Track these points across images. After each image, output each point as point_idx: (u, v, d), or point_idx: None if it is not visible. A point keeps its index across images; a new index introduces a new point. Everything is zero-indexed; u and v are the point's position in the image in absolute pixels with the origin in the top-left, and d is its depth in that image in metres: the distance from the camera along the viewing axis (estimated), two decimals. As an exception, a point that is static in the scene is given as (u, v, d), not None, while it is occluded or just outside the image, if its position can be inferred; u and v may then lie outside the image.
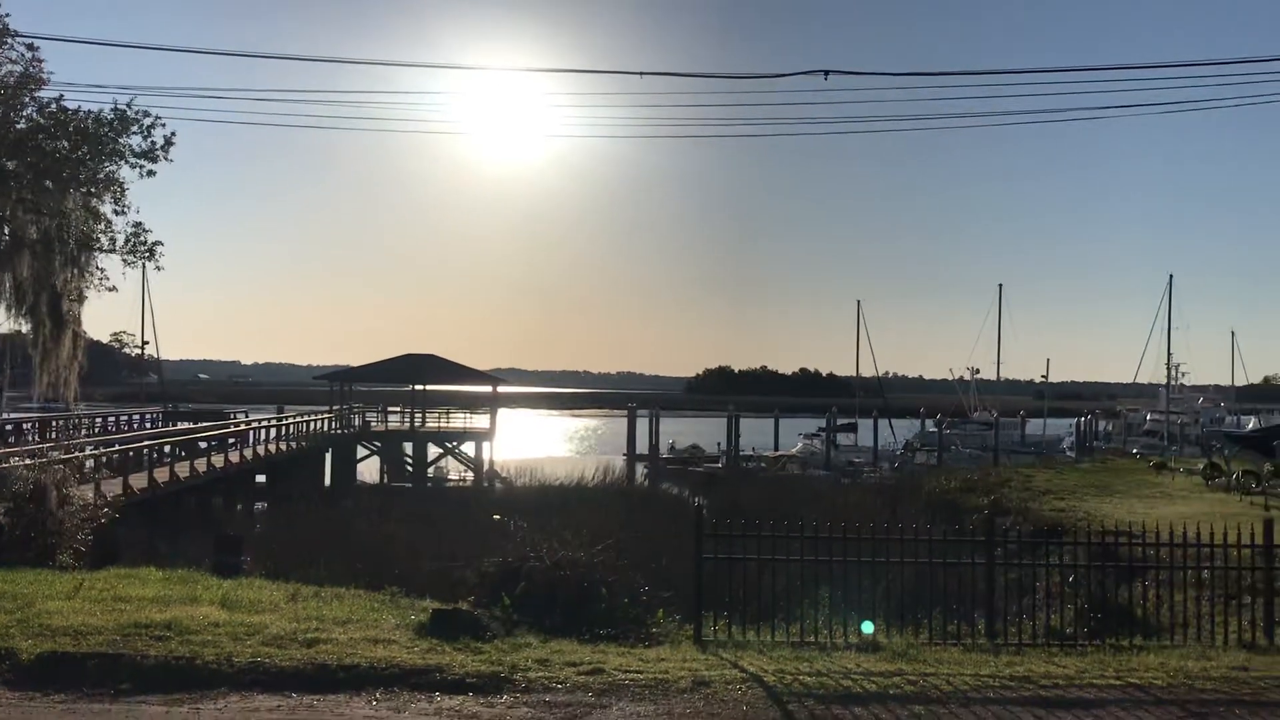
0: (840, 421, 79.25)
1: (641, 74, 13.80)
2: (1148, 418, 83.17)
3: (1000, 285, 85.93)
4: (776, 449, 73.29)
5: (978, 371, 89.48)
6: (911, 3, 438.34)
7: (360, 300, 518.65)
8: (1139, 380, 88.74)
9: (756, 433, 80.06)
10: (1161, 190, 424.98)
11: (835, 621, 11.44)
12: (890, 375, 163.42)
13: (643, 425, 71.15)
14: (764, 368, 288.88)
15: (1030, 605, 12.78)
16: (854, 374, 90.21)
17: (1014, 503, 32.30)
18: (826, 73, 13.27)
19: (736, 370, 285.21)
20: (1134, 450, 62.73)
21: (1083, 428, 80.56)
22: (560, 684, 8.78)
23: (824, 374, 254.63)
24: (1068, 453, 71.15)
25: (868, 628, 11.35)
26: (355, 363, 67.66)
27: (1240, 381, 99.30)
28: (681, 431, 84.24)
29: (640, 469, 64.21)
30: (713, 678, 9.08)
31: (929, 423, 77.45)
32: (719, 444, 72.33)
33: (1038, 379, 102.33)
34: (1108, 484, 35.98)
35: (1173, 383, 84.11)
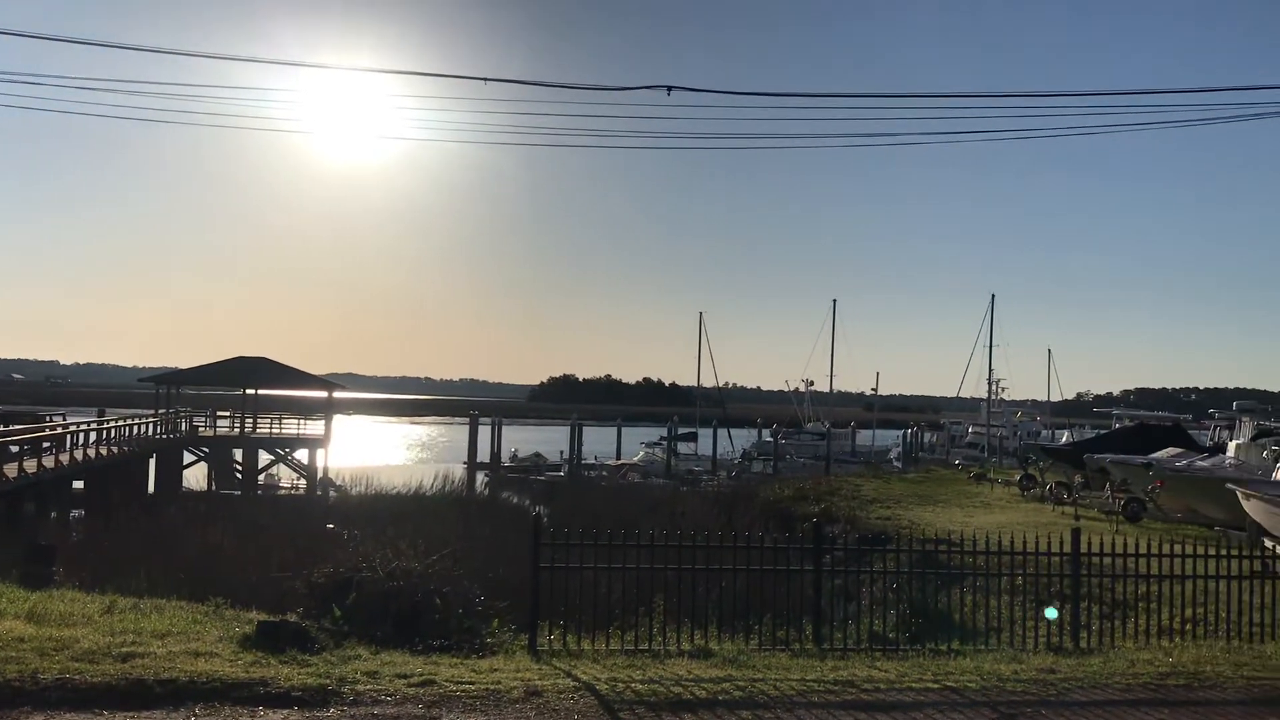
0: (681, 431, 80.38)
1: (486, 80, 13.72)
2: (969, 430, 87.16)
3: (834, 301, 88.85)
4: (619, 457, 73.74)
5: (812, 384, 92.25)
6: (766, 25, 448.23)
7: (191, 301, 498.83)
8: (962, 394, 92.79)
9: (599, 441, 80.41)
10: (986, 214, 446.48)
11: (669, 629, 11.59)
12: (730, 386, 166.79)
13: (485, 433, 70.52)
14: (608, 377, 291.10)
15: (855, 611, 13.20)
16: (695, 384, 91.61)
17: (843, 511, 33.29)
18: (669, 88, 13.48)
19: (581, 379, 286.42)
20: (956, 461, 65.53)
21: (909, 439, 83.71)
22: (390, 696, 8.62)
23: (667, 384, 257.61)
24: (895, 463, 73.82)
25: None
26: (183, 365, 64.95)
27: (1055, 397, 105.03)
28: (524, 440, 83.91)
29: (481, 478, 63.61)
30: (545, 687, 9.08)
31: (766, 433, 79.32)
32: (561, 452, 72.31)
33: (868, 391, 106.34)
34: (931, 493, 37.49)
35: (993, 397, 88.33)
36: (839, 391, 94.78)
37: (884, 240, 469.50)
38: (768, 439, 78.19)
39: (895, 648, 11.88)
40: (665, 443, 75.76)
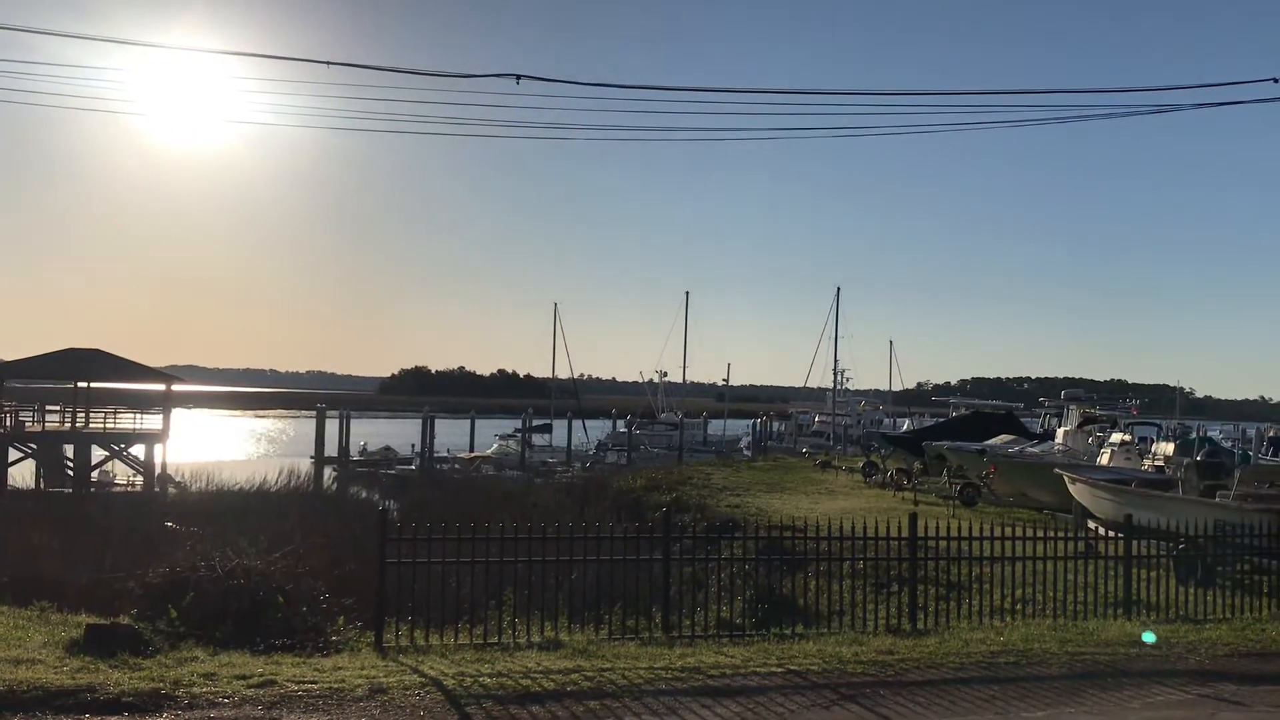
0: (536, 422, 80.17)
1: (329, 64, 13.35)
2: (816, 419, 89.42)
3: (687, 293, 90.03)
4: (472, 450, 73.08)
5: (666, 375, 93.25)
6: (615, 16, 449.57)
7: (15, 290, 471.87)
8: (810, 384, 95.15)
9: (453, 434, 79.54)
10: (831, 207, 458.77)
11: (519, 621, 11.56)
12: (585, 377, 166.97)
13: (332, 426, 68.89)
14: (462, 369, 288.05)
15: (704, 598, 13.42)
16: (550, 376, 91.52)
17: (694, 500, 33.75)
18: (519, 77, 13.40)
19: (434, 371, 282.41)
20: (803, 450, 67.23)
21: (758, 429, 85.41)
22: (228, 698, 8.36)
23: (522, 375, 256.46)
24: (745, 452, 75.17)
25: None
26: (9, 357, 61.48)
27: (897, 387, 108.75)
28: (375, 433, 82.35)
29: (329, 472, 62.14)
30: (391, 684, 8.95)
31: (620, 423, 79.73)
32: (413, 446, 71.24)
33: (720, 382, 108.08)
34: (779, 481, 38.36)
35: (838, 387, 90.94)
36: (692, 382, 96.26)
37: (735, 233, 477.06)
38: (622, 430, 78.64)
39: (742, 633, 12.12)
40: (519, 434, 75.46)
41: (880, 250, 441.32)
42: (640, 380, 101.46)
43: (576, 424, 78.78)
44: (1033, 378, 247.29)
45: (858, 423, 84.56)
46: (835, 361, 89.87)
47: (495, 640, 11.10)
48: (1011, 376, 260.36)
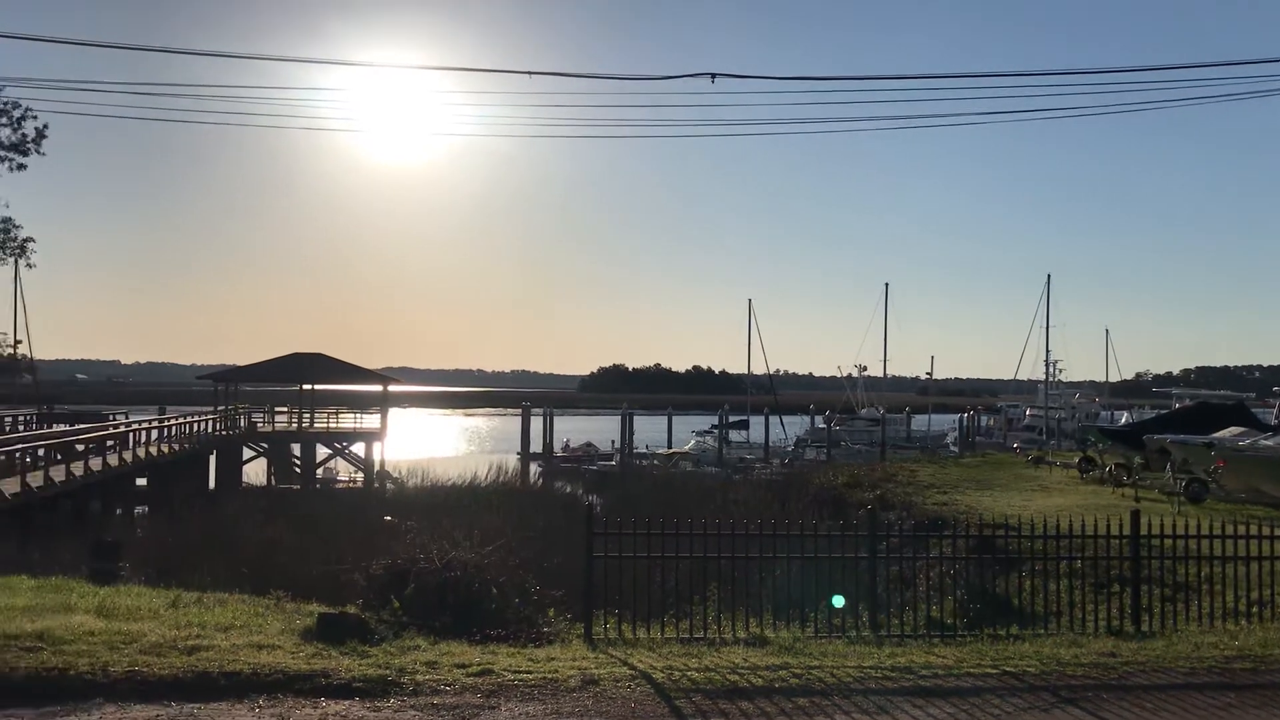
0: (732, 419, 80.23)
1: (530, 74, 13.77)
2: (1027, 413, 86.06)
3: (886, 284, 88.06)
4: (670, 446, 73.79)
5: (865, 369, 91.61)
6: (805, 10, 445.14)
7: (246, 300, 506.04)
8: (1019, 377, 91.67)
9: (650, 430, 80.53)
10: (1041, 192, 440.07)
11: (724, 617, 11.60)
12: (781, 373, 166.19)
13: (537, 424, 70.95)
14: (658, 365, 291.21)
15: (913, 597, 13.13)
16: (746, 371, 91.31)
17: (898, 497, 32.96)
18: (713, 75, 13.44)
19: (630, 368, 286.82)
20: (1014, 445, 64.77)
21: (965, 423, 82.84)
22: (449, 686, 8.72)
23: (717, 371, 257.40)
24: (951, 448, 73.11)
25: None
26: (241, 363, 65.96)
27: (1114, 378, 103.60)
28: (575, 430, 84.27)
29: (534, 468, 64.00)
30: (602, 675, 9.13)
31: (818, 419, 78.88)
32: (613, 442, 72.48)
33: (923, 376, 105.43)
34: (988, 478, 37.05)
35: (1050, 379, 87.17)
36: (893, 376, 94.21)
37: (937, 222, 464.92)
38: (821, 426, 77.74)
39: (953, 633, 11.80)
40: (716, 431, 75.68)
41: (1093, 234, 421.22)
42: (838, 375, 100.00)
43: (774, 420, 78.28)
44: (1264, 366, 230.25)
45: (1072, 416, 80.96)
46: (1047, 352, 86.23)
47: (701, 635, 11.18)
48: (1240, 365, 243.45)
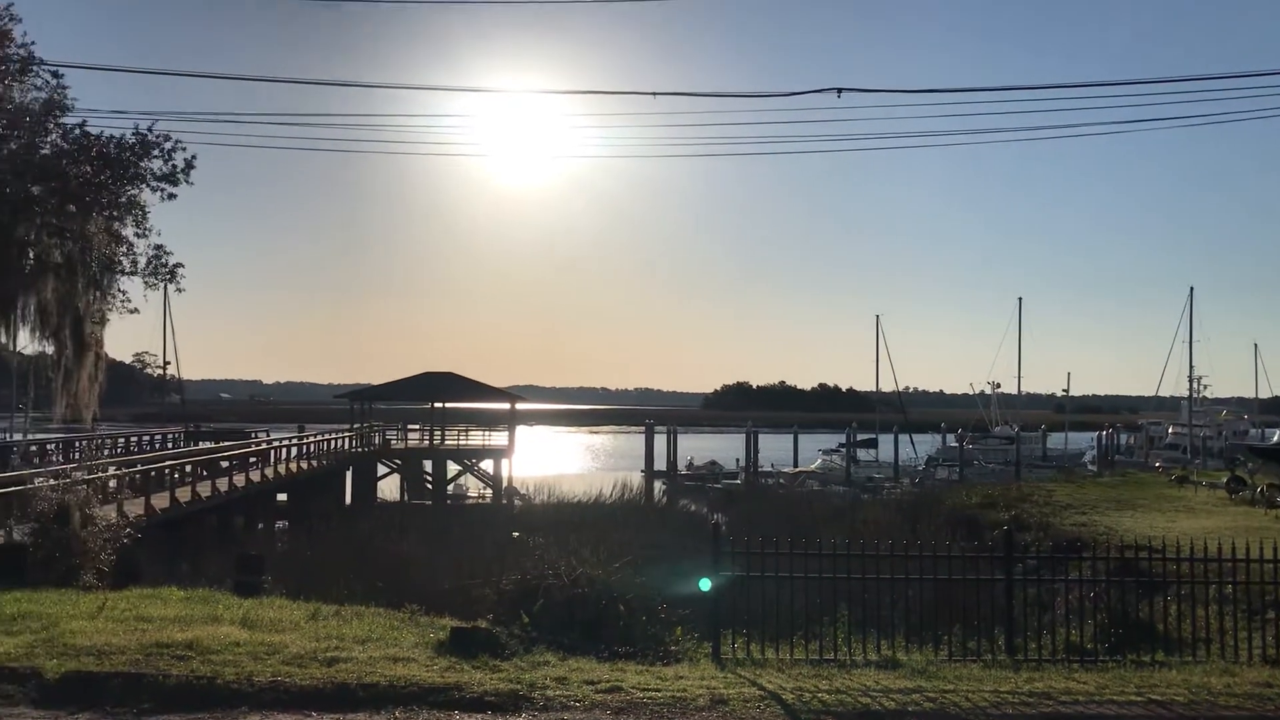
0: (860, 437, 79.07)
1: (655, 94, 13.90)
2: (1169, 431, 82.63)
3: (1020, 299, 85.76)
4: (796, 465, 73.11)
5: (998, 386, 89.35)
6: (928, 23, 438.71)
7: (380, 320, 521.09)
8: (1161, 393, 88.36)
9: (775, 449, 79.92)
10: (1181, 203, 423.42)
11: (854, 639, 11.42)
12: (911, 390, 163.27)
13: (660, 442, 71.10)
14: (782, 383, 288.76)
15: (1050, 621, 12.71)
16: (874, 389, 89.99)
17: (1035, 518, 32.08)
18: (839, 90, 13.33)
19: (755, 386, 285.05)
20: (1156, 464, 62.31)
21: (1104, 441, 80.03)
22: (578, 702, 8.79)
23: (843, 389, 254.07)
24: (1089, 467, 70.78)
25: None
26: (375, 381, 67.88)
27: (1264, 394, 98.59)
28: (699, 448, 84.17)
29: (658, 486, 64.15)
30: (731, 695, 9.08)
31: (950, 438, 77.20)
32: (737, 460, 72.22)
33: (1059, 392, 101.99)
34: (1129, 498, 35.73)
35: (1195, 396, 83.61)
36: (1027, 393, 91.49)
37: (1072, 234, 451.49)
38: (952, 444, 76.09)
39: (1094, 659, 11.38)
40: (844, 449, 74.71)
41: (1238, 245, 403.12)
42: (970, 392, 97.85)
43: (903, 438, 76.87)
44: None
45: (1218, 434, 77.46)
46: (1190, 367, 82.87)
47: (831, 656, 11.02)
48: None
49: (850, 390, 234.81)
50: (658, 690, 9.14)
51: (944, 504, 41.41)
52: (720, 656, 10.89)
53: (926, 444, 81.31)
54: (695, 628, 12.22)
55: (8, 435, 53.20)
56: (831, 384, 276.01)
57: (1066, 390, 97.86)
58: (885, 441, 79.21)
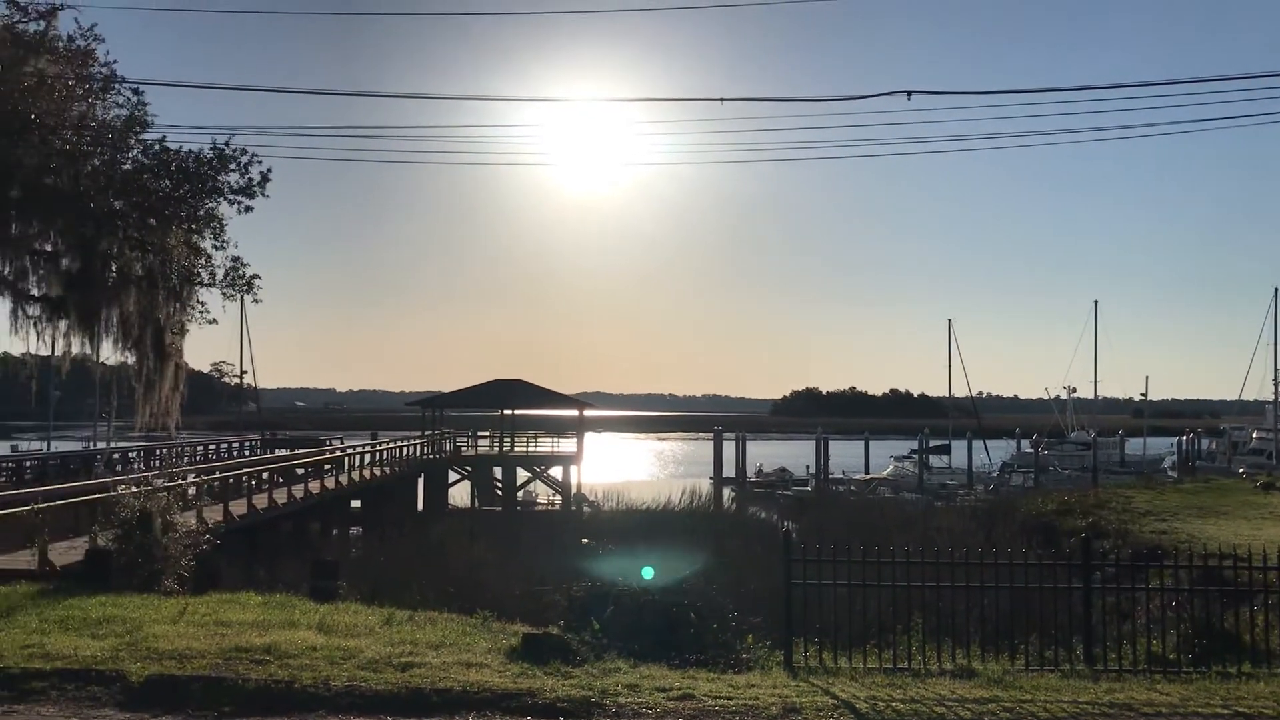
0: (933, 443, 77.99)
1: (722, 100, 13.86)
2: (1254, 436, 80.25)
3: (1095, 302, 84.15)
4: (867, 472, 72.37)
5: (1074, 390, 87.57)
6: (997, 23, 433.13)
7: (450, 328, 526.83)
8: (1244, 397, 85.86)
9: (846, 455, 79.15)
10: (1263, 202, 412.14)
11: (929, 647, 11.27)
12: (984, 395, 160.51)
13: (729, 448, 70.85)
14: (852, 389, 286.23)
15: (1131, 630, 12.43)
16: (946, 394, 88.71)
17: (1113, 525, 31.44)
18: (909, 93, 13.20)
19: (824, 392, 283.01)
20: (1240, 470, 60.61)
21: (1184, 447, 78.07)
22: (650, 709, 8.78)
23: (915, 394, 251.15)
24: (1169, 473, 69.09)
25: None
26: (445, 389, 68.68)
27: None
28: (768, 454, 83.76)
29: (727, 492, 63.91)
30: (804, 704, 9.01)
31: (1025, 443, 75.84)
32: (807, 467, 71.67)
33: (1137, 397, 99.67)
34: (1212, 505, 34.84)
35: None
36: (1104, 398, 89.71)
37: (1147, 235, 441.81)
38: (1027, 450, 74.66)
39: (1176, 670, 11.10)
40: (916, 456, 73.76)
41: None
42: (1045, 397, 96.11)
43: (977, 444, 75.68)
44: None
45: (1307, 439, 75.06)
46: (1275, 370, 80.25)
47: (905, 665, 10.89)
48: None
49: (922, 396, 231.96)
50: (730, 698, 9.10)
51: (1019, 511, 40.74)
52: (792, 665, 10.81)
53: (1000, 450, 79.89)
54: (766, 636, 12.15)
55: (92, 443, 54.73)
56: (903, 389, 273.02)
57: (1145, 394, 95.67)
58: (958, 447, 77.98)
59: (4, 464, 39.49)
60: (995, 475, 71.21)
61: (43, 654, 10.03)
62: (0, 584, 14.95)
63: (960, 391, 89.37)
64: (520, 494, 59.53)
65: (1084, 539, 12.70)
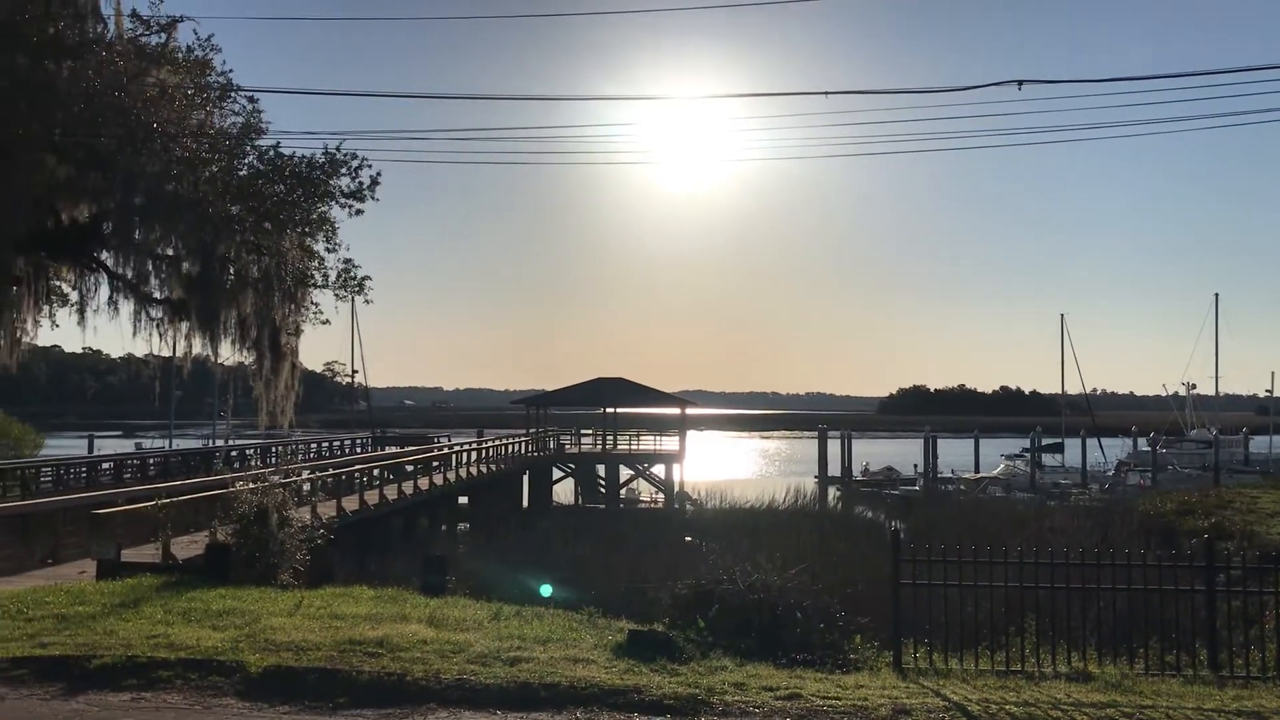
0: (1045, 441, 76.02)
1: (827, 94, 13.69)
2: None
3: (1216, 295, 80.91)
4: (977, 471, 70.85)
5: (1194, 387, 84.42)
6: (1106, 10, 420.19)
7: (553, 327, 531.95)
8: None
9: (955, 454, 77.61)
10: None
11: (1043, 650, 10.98)
12: (1098, 392, 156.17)
13: (834, 447, 70.08)
14: (961, 386, 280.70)
15: (1258, 635, 11.94)
16: (1059, 391, 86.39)
17: (1237, 526, 30.29)
18: (1020, 83, 12.86)
19: (933, 389, 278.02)
20: (1375, 469, 57.81)
21: (1315, 445, 74.69)
22: (757, 708, 8.72)
23: (1026, 392, 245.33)
24: (1298, 473, 66.19)
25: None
26: (548, 387, 69.39)
27: None
28: (875, 453, 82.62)
29: (832, 492, 63.24)
30: (914, 706, 8.85)
31: (1142, 441, 73.46)
32: (915, 466, 70.48)
33: (1261, 393, 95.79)
34: (1346, 506, 33.31)
35: None
36: (1226, 394, 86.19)
37: (1270, 227, 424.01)
38: (1144, 448, 72.30)
39: (1310, 678, 10.60)
40: (1028, 454, 71.98)
41: None
42: (1163, 394, 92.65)
43: (1091, 442, 73.52)
44: None
45: None
46: None
47: (1018, 668, 10.62)
48: None
49: (1033, 393, 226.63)
50: (838, 699, 8.99)
51: (1136, 511, 39.54)
52: (901, 666, 10.63)
53: (1116, 448, 77.47)
54: (874, 636, 11.98)
55: (211, 441, 56.65)
56: (1013, 387, 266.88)
57: (1270, 391, 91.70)
58: (1072, 446, 75.90)
59: (129, 461, 41.10)
60: (1110, 474, 69.05)
61: (168, 644, 10.40)
62: (128, 576, 15.59)
63: (1074, 388, 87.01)
64: (623, 492, 59.77)
65: (1206, 540, 12.24)
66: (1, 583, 16.69)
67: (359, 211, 22.35)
